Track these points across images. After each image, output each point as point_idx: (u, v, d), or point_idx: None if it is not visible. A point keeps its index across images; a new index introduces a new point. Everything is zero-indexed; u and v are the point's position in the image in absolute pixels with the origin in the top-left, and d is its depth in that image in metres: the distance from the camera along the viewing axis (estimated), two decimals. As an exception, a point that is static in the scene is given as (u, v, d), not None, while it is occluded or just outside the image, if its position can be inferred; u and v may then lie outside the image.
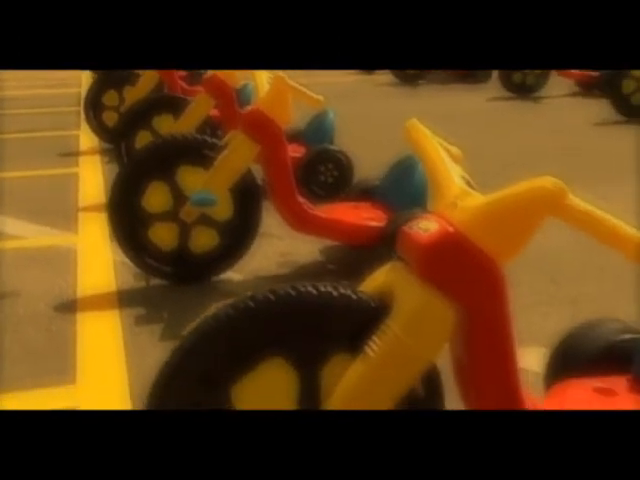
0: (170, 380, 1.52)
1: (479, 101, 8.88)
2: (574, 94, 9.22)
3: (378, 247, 3.16)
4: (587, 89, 9.18)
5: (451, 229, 1.49)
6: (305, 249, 3.76)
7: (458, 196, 1.56)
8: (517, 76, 9.14)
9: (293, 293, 1.51)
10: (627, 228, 1.45)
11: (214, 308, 1.56)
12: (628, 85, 7.32)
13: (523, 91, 9.15)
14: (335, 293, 1.53)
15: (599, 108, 7.85)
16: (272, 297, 1.50)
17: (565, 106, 8.45)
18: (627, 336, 1.96)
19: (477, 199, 1.53)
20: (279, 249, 3.80)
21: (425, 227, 1.53)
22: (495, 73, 9.81)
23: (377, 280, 1.62)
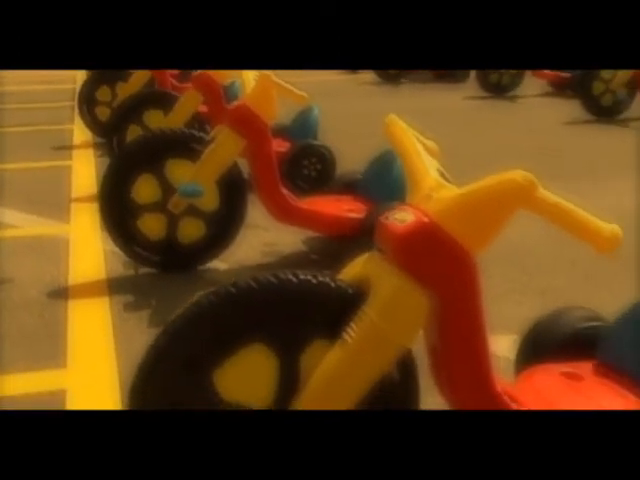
0: (155, 364, 1.51)
1: (457, 100, 8.88)
2: (547, 94, 9.23)
3: (359, 238, 3.15)
4: (559, 90, 9.20)
5: (426, 220, 1.49)
6: (289, 240, 3.75)
7: (433, 188, 1.55)
8: (493, 76, 9.13)
9: (274, 281, 1.50)
10: (595, 220, 1.45)
11: (199, 295, 1.54)
12: (598, 87, 7.35)
13: (499, 91, 9.15)
14: (314, 281, 1.52)
15: (570, 108, 7.86)
16: (254, 284, 1.49)
17: (538, 105, 8.46)
18: (593, 323, 1.97)
19: (451, 191, 1.53)
20: (264, 239, 3.79)
21: (401, 218, 1.52)
22: (473, 73, 9.81)
23: (355, 268, 1.62)
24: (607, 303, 2.13)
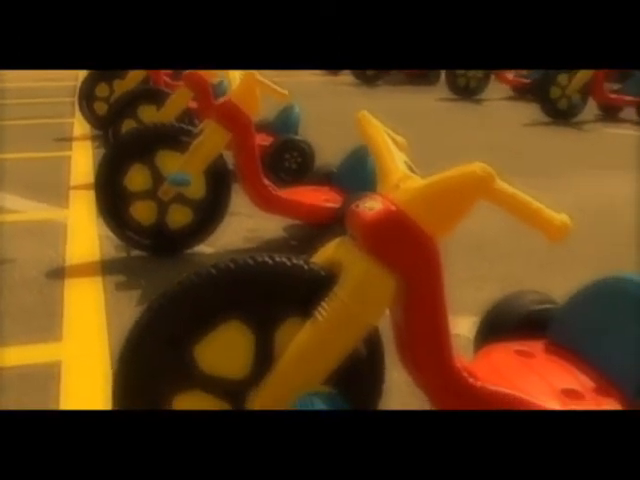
0: (140, 338, 1.48)
1: (428, 101, 8.86)
2: (509, 98, 9.25)
3: (334, 225, 3.14)
4: (520, 94, 9.21)
5: (393, 207, 1.47)
6: (270, 226, 3.72)
7: (401, 179, 1.54)
8: (461, 80, 9.13)
9: (251, 262, 1.48)
10: (548, 211, 1.44)
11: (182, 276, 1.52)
12: (555, 92, 7.38)
13: (466, 94, 9.15)
14: (289, 263, 1.50)
15: (530, 111, 7.88)
16: (232, 265, 1.47)
17: (502, 108, 8.48)
18: (544, 306, 1.97)
19: (417, 182, 1.51)
20: (247, 226, 3.76)
21: (370, 206, 1.50)
22: (443, 77, 9.80)
23: (327, 252, 1.60)
24: (559, 288, 2.13)
